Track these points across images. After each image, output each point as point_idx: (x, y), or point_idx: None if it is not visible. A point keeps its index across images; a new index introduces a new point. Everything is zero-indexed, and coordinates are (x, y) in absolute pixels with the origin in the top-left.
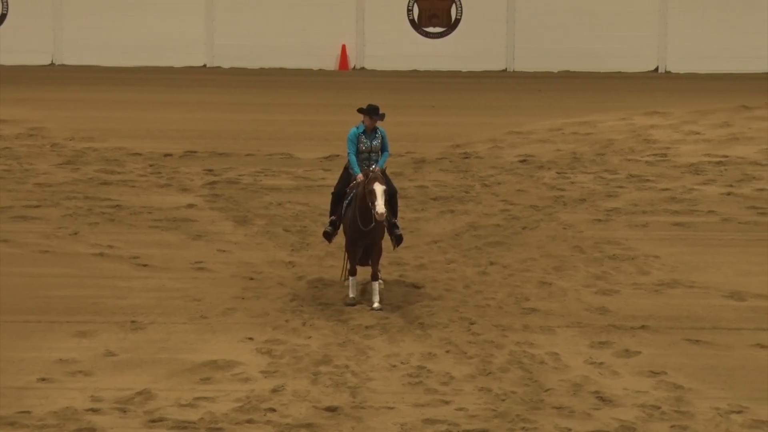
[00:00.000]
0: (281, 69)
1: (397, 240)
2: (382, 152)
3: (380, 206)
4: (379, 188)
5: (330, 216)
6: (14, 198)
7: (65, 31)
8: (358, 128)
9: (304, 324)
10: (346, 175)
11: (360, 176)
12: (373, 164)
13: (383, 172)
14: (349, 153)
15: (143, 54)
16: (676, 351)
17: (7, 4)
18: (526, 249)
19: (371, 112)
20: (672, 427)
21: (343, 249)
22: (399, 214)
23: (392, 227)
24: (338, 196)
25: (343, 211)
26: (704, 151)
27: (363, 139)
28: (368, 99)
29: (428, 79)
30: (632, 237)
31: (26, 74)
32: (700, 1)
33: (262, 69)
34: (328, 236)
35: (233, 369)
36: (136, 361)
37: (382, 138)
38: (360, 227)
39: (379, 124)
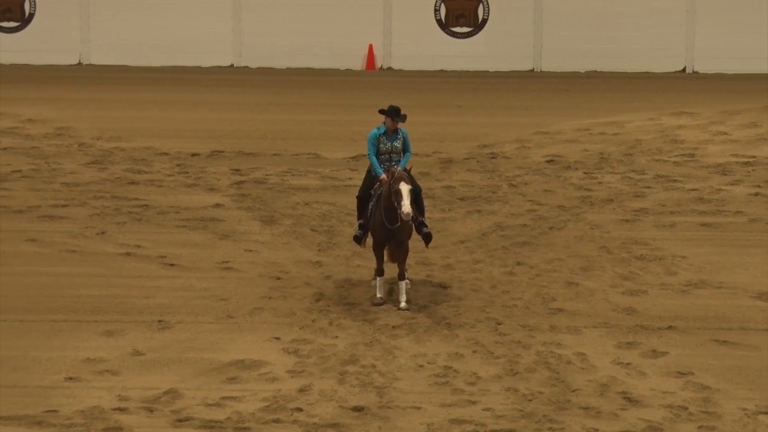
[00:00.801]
0: (308, 69)
1: (426, 238)
2: (403, 153)
3: (406, 206)
4: (405, 188)
5: (358, 220)
6: (42, 197)
7: (92, 31)
8: (379, 129)
9: (330, 324)
10: (369, 178)
11: (383, 176)
12: (394, 165)
13: (407, 171)
14: (369, 154)
15: (171, 54)
16: (704, 351)
17: (35, 4)
18: (553, 249)
19: (392, 114)
20: (699, 427)
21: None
22: (426, 214)
23: (420, 226)
24: (363, 199)
25: (369, 213)
26: (732, 152)
27: (384, 140)
28: (395, 99)
29: (455, 79)
30: (659, 237)
31: (54, 74)
32: (727, 1)
33: (289, 69)
34: (359, 240)
35: (260, 369)
36: (163, 360)
37: (404, 139)
38: (386, 226)
39: (402, 125)
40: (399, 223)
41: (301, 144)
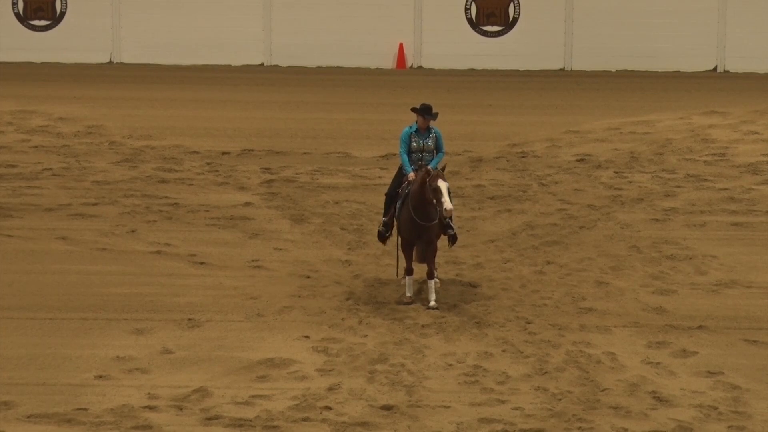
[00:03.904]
0: (339, 68)
1: (452, 240)
2: (436, 152)
3: (448, 203)
4: (443, 185)
5: (383, 217)
6: (72, 196)
7: (124, 30)
8: (411, 127)
9: (360, 322)
10: (399, 176)
11: (411, 175)
12: (425, 164)
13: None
14: (400, 152)
15: (201, 52)
16: (734, 351)
17: (66, 3)
18: (583, 248)
19: (424, 112)
20: (729, 427)
21: (398, 247)
22: (454, 214)
23: (446, 227)
24: (391, 197)
25: (396, 212)
26: (763, 151)
27: (415, 138)
28: (425, 98)
29: (485, 78)
30: (690, 237)
31: (85, 72)
32: (759, 0)
33: (319, 67)
34: (382, 237)
35: (289, 367)
36: (193, 358)
37: (437, 138)
38: (416, 223)
39: (433, 123)
40: (435, 221)
41: (331, 143)
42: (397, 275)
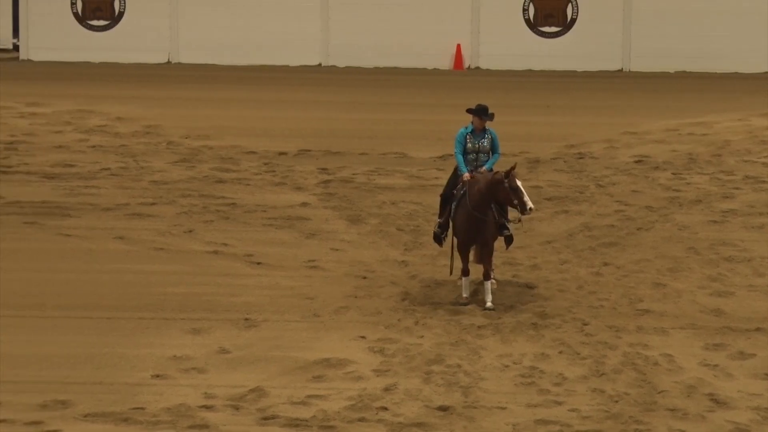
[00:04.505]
0: (396, 68)
1: (508, 241)
2: (492, 153)
3: (530, 201)
4: (521, 183)
5: (438, 218)
6: (130, 195)
7: (182, 30)
8: (466, 128)
9: (416, 323)
10: (454, 178)
11: (467, 175)
12: (481, 165)
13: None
14: (456, 152)
15: (258, 53)
16: None
17: (125, 3)
18: (641, 250)
19: (480, 112)
20: None
21: (452, 246)
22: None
23: (501, 228)
24: (446, 198)
25: (451, 214)
26: None
27: (471, 138)
28: (482, 98)
29: (543, 79)
30: (748, 239)
31: (143, 72)
32: None
33: (376, 68)
34: (437, 238)
35: (346, 367)
36: (250, 358)
37: (492, 139)
38: (472, 223)
39: (489, 124)
40: (521, 218)
41: (388, 143)
42: (450, 273)
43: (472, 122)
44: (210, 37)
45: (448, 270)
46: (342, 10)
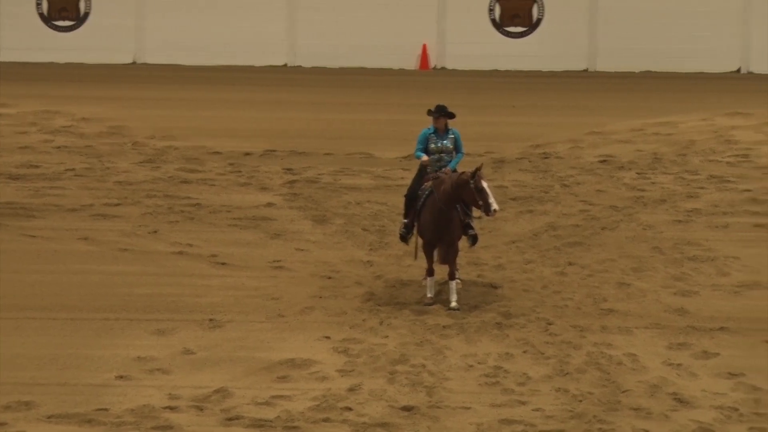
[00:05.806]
0: (362, 68)
1: (473, 240)
2: (456, 153)
3: (495, 203)
4: (486, 184)
5: (404, 219)
6: (95, 196)
7: (147, 30)
8: (429, 129)
9: (381, 323)
10: (418, 178)
11: (425, 157)
12: (445, 165)
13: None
14: (416, 151)
15: (224, 53)
16: (755, 353)
17: (90, 3)
18: (605, 249)
19: (438, 112)
20: (750, 429)
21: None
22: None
23: (466, 227)
24: (411, 198)
25: (417, 213)
26: None
27: (434, 139)
28: (448, 99)
29: (509, 79)
30: (712, 238)
31: (108, 73)
32: None
33: (342, 68)
34: (404, 238)
35: (310, 368)
36: (214, 359)
37: (456, 139)
38: (437, 223)
39: (452, 124)
40: (485, 215)
41: (353, 143)
42: (415, 258)
43: (433, 123)
44: (176, 37)
45: (415, 272)
46: (308, 10)
